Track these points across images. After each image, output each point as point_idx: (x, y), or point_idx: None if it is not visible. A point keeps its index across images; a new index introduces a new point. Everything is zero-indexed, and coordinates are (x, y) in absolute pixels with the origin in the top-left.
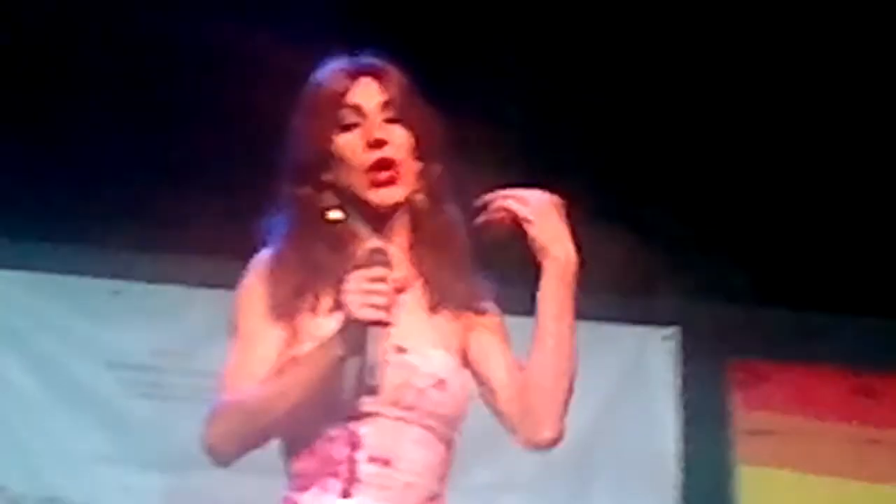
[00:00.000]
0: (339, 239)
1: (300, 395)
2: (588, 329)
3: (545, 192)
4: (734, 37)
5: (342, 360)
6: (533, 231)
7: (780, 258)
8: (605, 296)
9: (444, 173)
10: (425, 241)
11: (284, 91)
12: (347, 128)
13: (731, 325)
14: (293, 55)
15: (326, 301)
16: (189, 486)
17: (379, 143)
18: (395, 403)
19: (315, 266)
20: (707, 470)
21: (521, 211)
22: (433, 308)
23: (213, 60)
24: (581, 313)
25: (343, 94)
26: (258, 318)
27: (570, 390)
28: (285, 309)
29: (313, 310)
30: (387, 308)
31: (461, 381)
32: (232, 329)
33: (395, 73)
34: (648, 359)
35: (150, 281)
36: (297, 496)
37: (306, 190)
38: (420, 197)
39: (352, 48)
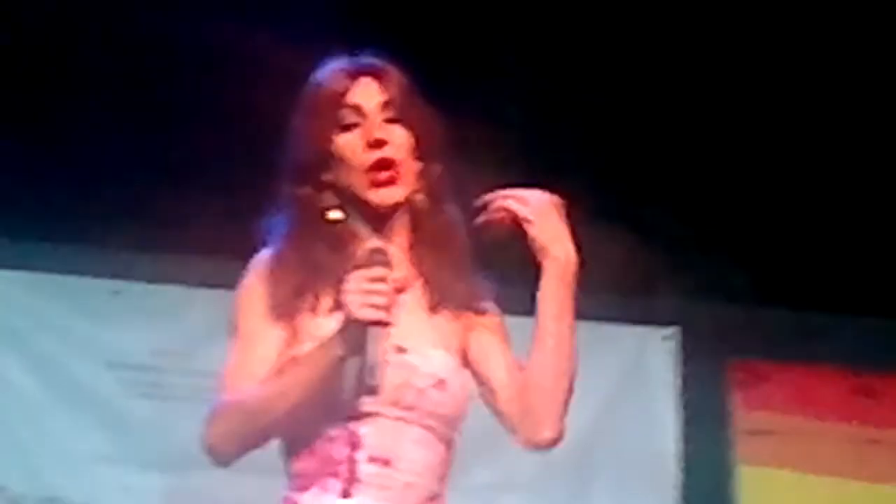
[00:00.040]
0: (339, 239)
1: (300, 395)
2: (588, 329)
3: (545, 192)
4: (733, 37)
5: (342, 360)
6: (533, 231)
7: (780, 258)
8: (605, 296)
9: (444, 173)
10: (425, 241)
11: (284, 91)
12: (347, 128)
13: (731, 325)
14: (293, 55)
15: (326, 301)
16: (189, 486)
17: (379, 143)
18: (395, 403)
19: (315, 266)
20: (707, 470)
21: (521, 211)
22: (433, 308)
23: (213, 60)
24: (581, 313)
25: (343, 94)
26: (258, 318)
27: (571, 390)
28: (285, 309)
29: (313, 310)
30: (387, 308)
31: (461, 381)
32: (232, 329)
33: (395, 73)
34: (648, 359)
35: (150, 281)
36: (297, 496)
37: (306, 190)
38: (420, 197)
39: (352, 48)
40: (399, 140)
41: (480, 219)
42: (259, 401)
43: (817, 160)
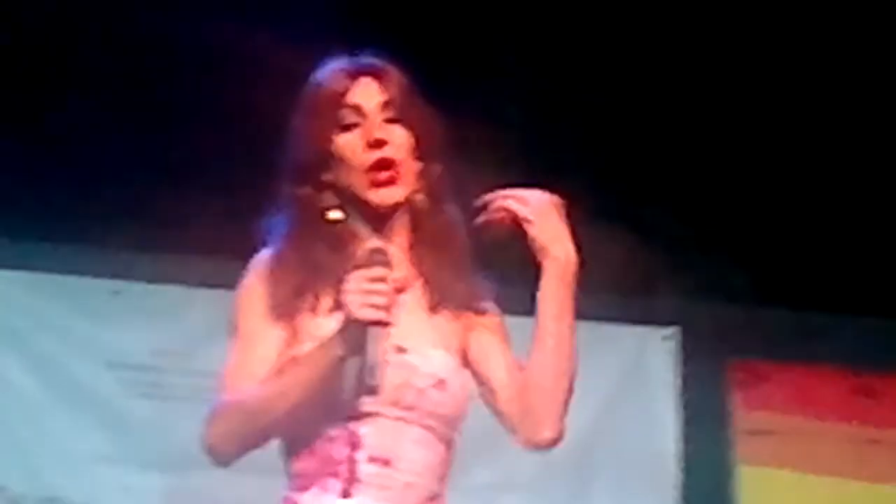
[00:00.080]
0: (339, 239)
1: (300, 395)
2: (588, 329)
3: (545, 192)
4: (733, 37)
5: (342, 360)
6: (533, 231)
7: (779, 258)
8: (605, 296)
9: (444, 173)
10: (425, 241)
11: (285, 91)
12: (347, 128)
13: (731, 325)
14: (293, 55)
15: (326, 301)
16: (189, 486)
17: (379, 143)
18: (395, 403)
19: (315, 266)
20: (707, 470)
21: (521, 211)
22: (433, 308)
23: (213, 60)
24: (581, 313)
25: (343, 94)
26: (258, 319)
27: (570, 390)
28: (285, 309)
29: (313, 310)
30: (387, 308)
31: (461, 381)
32: (232, 329)
33: (395, 74)
34: (648, 359)
35: (151, 281)
36: (296, 496)
37: (306, 190)
38: (420, 197)
39: (352, 48)
40: (399, 140)
41: (480, 219)
42: (259, 401)
43: (817, 160)
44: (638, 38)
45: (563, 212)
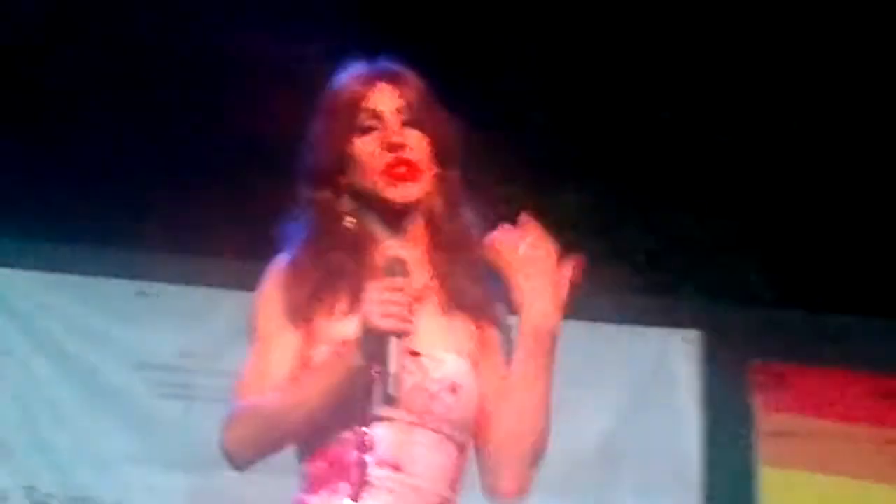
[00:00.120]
0: (356, 242)
1: (318, 402)
2: (611, 331)
3: (548, 245)
4: (766, 41)
5: (361, 369)
6: (519, 281)
7: (801, 261)
8: (628, 298)
9: (460, 177)
10: (441, 244)
11: (308, 95)
12: (365, 131)
13: (753, 328)
14: (314, 60)
15: (343, 304)
16: (215, 486)
17: (397, 146)
18: (407, 407)
19: (332, 269)
20: (729, 471)
21: (512, 258)
22: (447, 311)
23: (243, 64)
24: (604, 315)
25: (361, 99)
26: (275, 323)
27: (538, 450)
28: (302, 312)
29: (330, 312)
30: (405, 318)
31: (474, 384)
32: (250, 334)
33: (412, 78)
34: (671, 361)
35: (178, 282)
36: (306, 498)
37: (325, 193)
38: (437, 200)
39: (369, 53)
40: (416, 144)
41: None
42: (277, 407)
43: (840, 164)
44: (666, 40)
45: (563, 271)
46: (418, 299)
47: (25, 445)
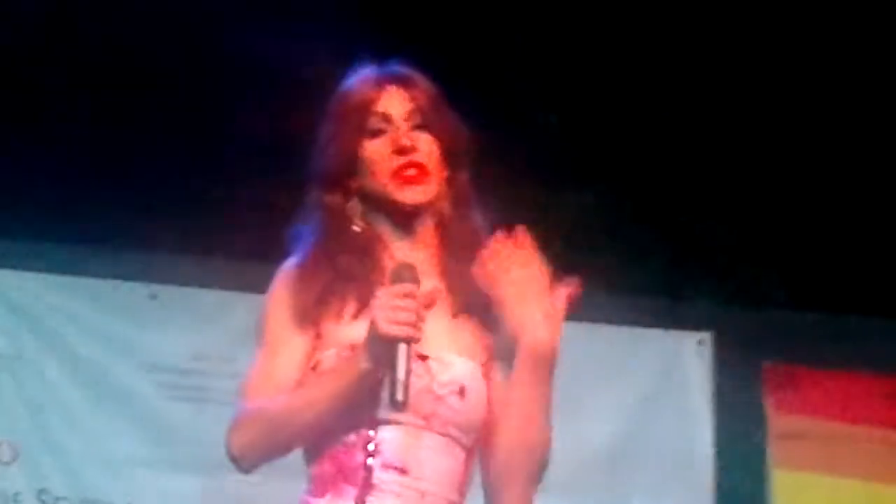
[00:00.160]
0: (365, 245)
1: (326, 406)
2: (623, 333)
3: (542, 268)
4: (783, 43)
5: (368, 373)
6: (511, 306)
7: (814, 262)
8: (640, 299)
9: (470, 180)
10: (451, 247)
11: (322, 98)
12: (375, 134)
13: (765, 329)
14: (325, 64)
15: (351, 307)
16: (227, 488)
17: (407, 150)
18: (413, 411)
19: (341, 272)
20: (741, 473)
21: (502, 281)
22: (456, 314)
23: (258, 66)
24: (616, 317)
25: (371, 102)
26: (283, 327)
27: (535, 473)
28: (310, 315)
29: (338, 315)
30: (414, 325)
31: (482, 388)
32: (258, 337)
33: (422, 82)
34: (683, 362)
35: (190, 285)
36: (311, 501)
37: (334, 196)
38: (446, 203)
39: (380, 57)
40: (426, 147)
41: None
42: (284, 411)
43: (852, 164)
44: (683, 39)
45: (559, 294)
46: (427, 306)
47: (37, 448)
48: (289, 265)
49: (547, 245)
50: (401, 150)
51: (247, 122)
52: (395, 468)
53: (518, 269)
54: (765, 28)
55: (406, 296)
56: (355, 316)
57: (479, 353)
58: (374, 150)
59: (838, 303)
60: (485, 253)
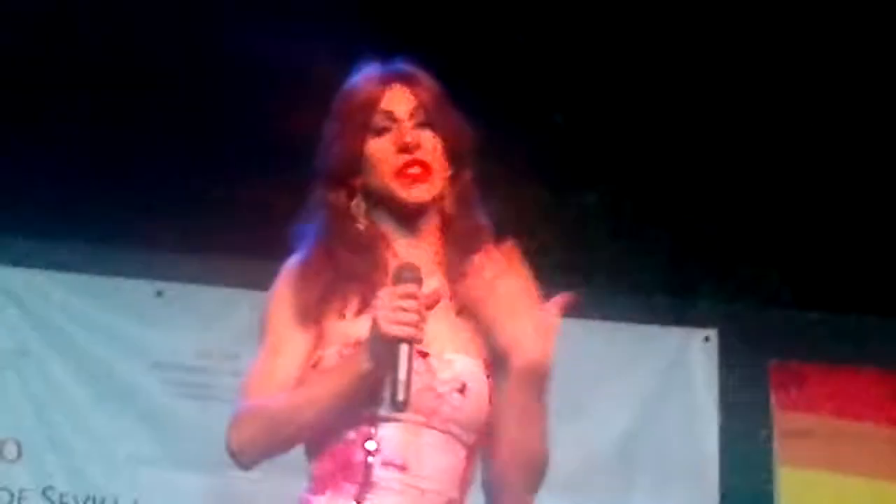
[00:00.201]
0: (368, 243)
1: (327, 404)
2: (629, 330)
3: (530, 287)
4: (780, 44)
5: (369, 372)
6: (500, 325)
7: (819, 261)
8: (646, 297)
9: (473, 179)
10: (454, 245)
11: (326, 96)
12: (379, 132)
13: (771, 328)
14: (328, 61)
15: (354, 305)
16: (232, 486)
17: (411, 147)
18: (414, 408)
19: (344, 269)
20: (747, 471)
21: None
22: (458, 312)
23: (256, 65)
24: (622, 315)
25: (375, 100)
26: (285, 325)
27: (533, 484)
28: (312, 313)
29: (341, 313)
30: (416, 325)
31: (484, 385)
32: (261, 333)
33: (426, 80)
34: (689, 360)
35: (195, 282)
36: (311, 498)
37: (338, 194)
38: (450, 201)
39: (384, 55)
40: (429, 145)
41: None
42: (285, 409)
43: (856, 164)
44: (691, 39)
45: (551, 310)
46: (430, 306)
47: (42, 445)
48: (292, 263)
49: (552, 244)
50: (404, 148)
51: (252, 121)
52: (395, 465)
53: (507, 284)
54: (767, 29)
55: (408, 296)
56: (358, 313)
57: (480, 351)
58: (378, 147)
59: (844, 301)
60: (472, 269)
